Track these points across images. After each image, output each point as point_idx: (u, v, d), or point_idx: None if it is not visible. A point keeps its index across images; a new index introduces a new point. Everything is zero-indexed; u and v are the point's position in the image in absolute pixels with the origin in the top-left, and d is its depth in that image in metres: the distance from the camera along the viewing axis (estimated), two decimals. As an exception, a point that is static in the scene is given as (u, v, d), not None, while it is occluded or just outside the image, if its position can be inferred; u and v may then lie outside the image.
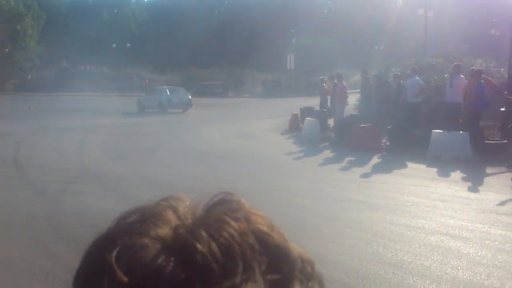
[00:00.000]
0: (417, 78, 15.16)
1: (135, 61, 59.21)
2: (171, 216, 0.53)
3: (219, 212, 0.53)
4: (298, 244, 0.58)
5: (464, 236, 6.85)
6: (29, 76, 55.07)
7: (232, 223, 0.51)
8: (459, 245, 6.46)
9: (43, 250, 6.57)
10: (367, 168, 12.13)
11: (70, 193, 9.64)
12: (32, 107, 33.28)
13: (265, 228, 0.53)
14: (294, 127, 19.78)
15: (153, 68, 56.96)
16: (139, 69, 56.96)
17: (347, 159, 13.28)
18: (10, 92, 49.47)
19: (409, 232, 6.99)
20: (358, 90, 20.06)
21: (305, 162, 13.47)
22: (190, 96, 32.46)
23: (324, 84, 20.92)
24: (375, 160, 13.18)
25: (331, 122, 18.86)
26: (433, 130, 13.26)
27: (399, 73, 16.53)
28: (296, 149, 15.54)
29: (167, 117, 26.43)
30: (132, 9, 78.90)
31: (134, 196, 9.31)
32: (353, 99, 19.99)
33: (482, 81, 13.40)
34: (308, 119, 18.11)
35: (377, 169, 12.00)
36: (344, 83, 18.56)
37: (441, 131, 13.15)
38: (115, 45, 68.45)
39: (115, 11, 75.62)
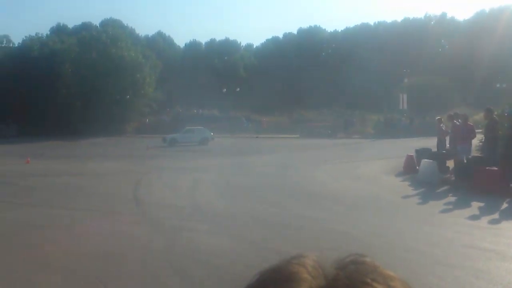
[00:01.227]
0: (546, 117, 13.87)
1: (244, 104, 61.07)
2: (305, 275, 0.55)
3: (356, 273, 0.54)
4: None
5: None
6: (147, 120, 59.00)
7: (376, 285, 0.51)
8: None
9: (159, 284, 6.63)
10: (495, 213, 11.05)
11: (185, 230, 9.81)
12: (150, 148, 35.29)
13: None
14: (409, 169, 18.78)
15: (262, 110, 58.33)
16: (248, 111, 58.64)
17: (472, 203, 12.22)
18: (130, 135, 53.34)
19: (548, 286, 6.14)
20: (480, 130, 18.72)
21: (424, 206, 12.63)
22: (212, 134, 39.76)
23: (442, 125, 19.85)
24: (504, 205, 12.00)
25: (449, 164, 17.70)
26: None
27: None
28: (413, 192, 14.67)
29: (277, 158, 26.53)
30: (241, 55, 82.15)
31: (246, 235, 9.25)
32: (474, 140, 18.69)
33: None
34: (425, 160, 17.08)
35: (506, 215, 10.89)
36: (470, 123, 17.34)
37: None
38: (225, 89, 71.35)
39: (225, 58, 79.27)
